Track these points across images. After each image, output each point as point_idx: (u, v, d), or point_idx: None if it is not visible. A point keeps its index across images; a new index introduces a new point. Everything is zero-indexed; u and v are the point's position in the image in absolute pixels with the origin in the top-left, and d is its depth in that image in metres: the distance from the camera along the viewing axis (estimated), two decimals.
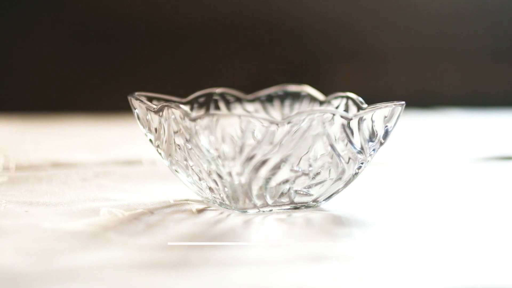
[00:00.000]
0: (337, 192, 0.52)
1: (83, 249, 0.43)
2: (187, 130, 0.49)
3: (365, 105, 0.56)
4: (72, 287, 0.38)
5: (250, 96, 0.61)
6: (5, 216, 0.50)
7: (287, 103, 0.61)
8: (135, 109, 0.53)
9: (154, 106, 0.51)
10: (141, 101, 0.53)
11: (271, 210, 0.51)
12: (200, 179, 0.51)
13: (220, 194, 0.51)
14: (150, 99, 0.56)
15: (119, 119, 1.05)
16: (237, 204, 0.51)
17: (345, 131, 0.50)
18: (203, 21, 1.57)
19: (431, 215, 0.53)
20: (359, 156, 0.51)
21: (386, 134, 0.51)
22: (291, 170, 0.50)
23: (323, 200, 0.52)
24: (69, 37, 1.56)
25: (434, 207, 0.56)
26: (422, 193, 0.62)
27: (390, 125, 0.51)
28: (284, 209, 0.51)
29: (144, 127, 0.53)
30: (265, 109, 0.61)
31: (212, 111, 0.60)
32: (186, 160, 0.51)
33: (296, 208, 0.52)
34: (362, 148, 0.50)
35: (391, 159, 0.74)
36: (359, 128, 0.50)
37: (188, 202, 0.54)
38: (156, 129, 0.52)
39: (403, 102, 0.51)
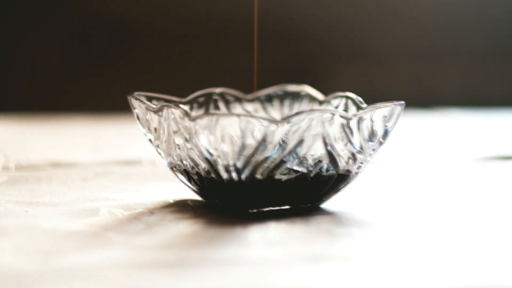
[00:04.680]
0: (337, 192, 0.52)
1: (82, 249, 0.43)
2: (186, 130, 0.49)
3: (364, 105, 0.56)
4: (71, 287, 0.38)
5: (250, 96, 0.61)
6: (4, 216, 0.50)
7: (287, 103, 0.62)
8: (134, 109, 0.53)
9: (154, 106, 0.51)
10: (141, 101, 0.53)
11: (270, 210, 0.51)
12: (199, 179, 0.51)
13: (219, 194, 0.51)
14: (150, 99, 0.56)
15: (119, 119, 1.05)
16: (236, 204, 0.51)
17: (344, 130, 0.50)
18: (203, 21, 1.57)
19: (431, 215, 0.53)
20: (359, 156, 0.51)
21: (386, 134, 0.51)
22: (291, 170, 0.50)
23: (323, 200, 0.52)
24: (69, 37, 1.56)
25: (434, 207, 0.56)
26: (422, 193, 0.62)
27: (389, 125, 0.51)
28: (284, 209, 0.51)
29: (143, 127, 0.53)
30: (264, 109, 0.61)
31: (211, 111, 0.60)
32: (185, 159, 0.51)
33: (295, 208, 0.52)
34: (361, 148, 0.50)
35: (391, 159, 0.74)
36: (358, 128, 0.50)
37: (188, 202, 0.54)
38: (155, 129, 0.52)
39: (403, 102, 0.51)
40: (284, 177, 0.49)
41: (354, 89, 0.68)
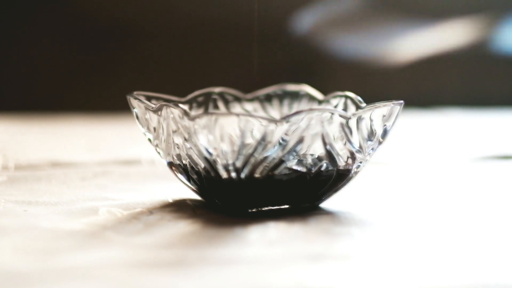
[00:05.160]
0: (336, 191, 0.52)
1: (82, 248, 0.43)
2: (185, 129, 0.49)
3: (363, 104, 0.56)
4: (71, 286, 0.38)
5: (249, 96, 0.61)
6: (4, 216, 0.50)
7: (286, 102, 0.62)
8: (134, 108, 0.53)
9: (153, 106, 0.52)
10: (140, 100, 0.53)
11: (269, 209, 0.51)
12: (198, 178, 0.51)
13: (218, 193, 0.51)
14: (149, 98, 0.56)
15: (118, 118, 1.05)
16: (235, 203, 0.51)
17: (343, 130, 0.50)
18: (203, 21, 1.57)
19: (430, 215, 0.53)
20: (358, 155, 0.51)
21: (385, 133, 0.51)
22: (290, 169, 0.50)
23: (322, 199, 0.52)
24: (69, 36, 1.56)
25: (434, 207, 0.56)
26: (422, 192, 0.62)
27: (389, 124, 0.51)
28: (283, 208, 0.51)
29: (143, 127, 0.53)
30: (264, 108, 0.61)
31: (210, 110, 0.60)
32: (185, 159, 0.51)
33: (295, 207, 0.52)
34: (360, 147, 0.50)
35: (391, 159, 0.74)
36: (357, 127, 0.50)
37: (187, 201, 0.54)
38: (155, 128, 0.52)
39: (402, 101, 0.51)
40: (283, 177, 0.50)
41: (354, 88, 0.68)
